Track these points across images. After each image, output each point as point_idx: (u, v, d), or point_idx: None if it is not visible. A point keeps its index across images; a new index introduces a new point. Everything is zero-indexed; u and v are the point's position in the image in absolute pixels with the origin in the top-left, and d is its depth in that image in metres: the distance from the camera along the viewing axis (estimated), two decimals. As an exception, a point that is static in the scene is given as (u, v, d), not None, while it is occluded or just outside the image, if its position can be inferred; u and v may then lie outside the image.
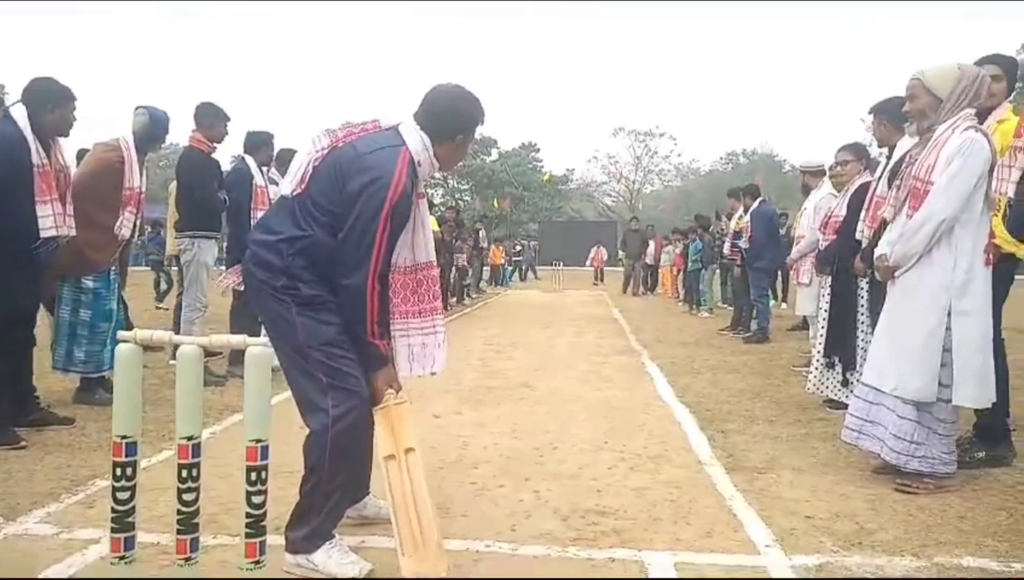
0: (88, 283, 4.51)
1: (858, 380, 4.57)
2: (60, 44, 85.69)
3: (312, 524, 2.31)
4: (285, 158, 6.46)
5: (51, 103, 3.92)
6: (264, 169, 5.92)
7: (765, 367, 6.66)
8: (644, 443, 4.00)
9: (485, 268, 20.25)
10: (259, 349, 1.40)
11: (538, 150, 54.83)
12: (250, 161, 5.82)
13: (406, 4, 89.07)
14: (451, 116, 2.46)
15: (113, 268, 4.66)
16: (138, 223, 4.80)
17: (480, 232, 18.13)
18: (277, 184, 6.12)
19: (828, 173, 6.45)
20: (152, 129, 4.73)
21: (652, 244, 19.08)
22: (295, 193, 2.38)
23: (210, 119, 5.46)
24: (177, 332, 5.33)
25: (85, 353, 4.55)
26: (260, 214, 5.74)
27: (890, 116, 4.26)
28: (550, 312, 13.32)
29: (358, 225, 2.27)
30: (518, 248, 29.75)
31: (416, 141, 2.41)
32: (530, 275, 28.71)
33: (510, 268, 26.83)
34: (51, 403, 4.42)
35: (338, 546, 2.35)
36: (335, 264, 2.30)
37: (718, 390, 5.57)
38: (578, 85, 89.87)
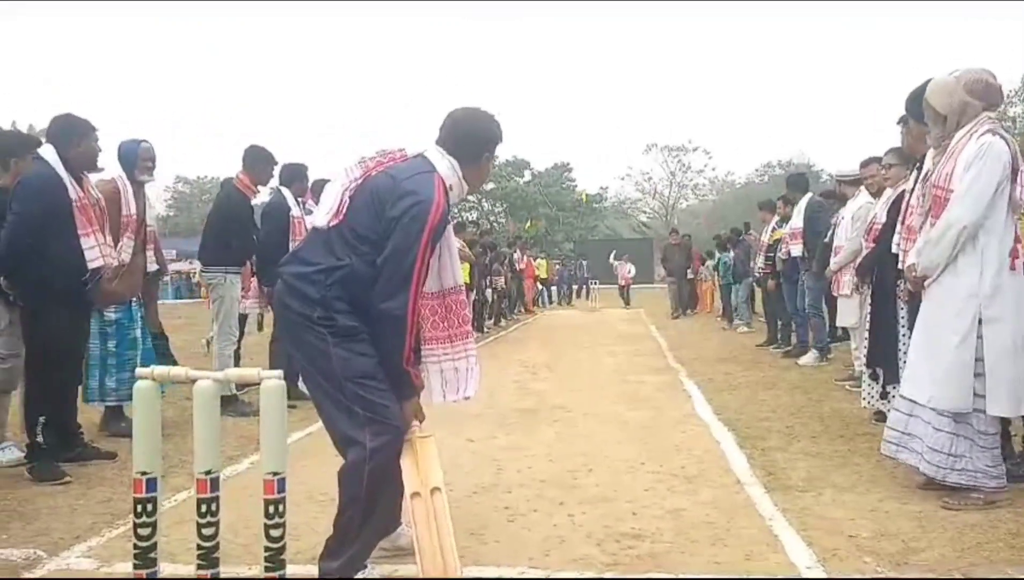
0: (111, 315, 4.62)
1: (897, 393, 4.46)
2: (61, 51, 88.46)
3: (347, 554, 2.31)
4: (318, 189, 6.59)
5: (76, 137, 4.03)
6: (300, 200, 6.02)
7: (806, 382, 6.52)
8: (681, 463, 3.93)
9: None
10: (274, 382, 1.41)
11: (571, 170, 54.88)
12: (286, 193, 5.93)
13: (434, 25, 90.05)
14: (473, 137, 2.50)
15: (136, 299, 4.77)
16: (151, 254, 4.95)
17: (515, 253, 17.88)
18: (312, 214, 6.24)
19: (864, 177, 6.33)
20: (122, 162, 4.80)
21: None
22: (331, 224, 2.39)
23: (259, 163, 5.61)
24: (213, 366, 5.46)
25: (116, 382, 4.67)
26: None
27: (915, 122, 4.16)
28: (586, 332, 13.25)
29: (400, 248, 2.27)
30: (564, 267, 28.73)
31: (445, 166, 2.44)
32: (584, 294, 26.72)
33: (563, 287, 26.36)
34: (93, 438, 4.51)
35: (371, 576, 2.34)
36: (372, 293, 2.30)
37: (757, 407, 5.46)
38: (609, 103, 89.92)
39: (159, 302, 7.37)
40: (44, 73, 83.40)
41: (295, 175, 6.01)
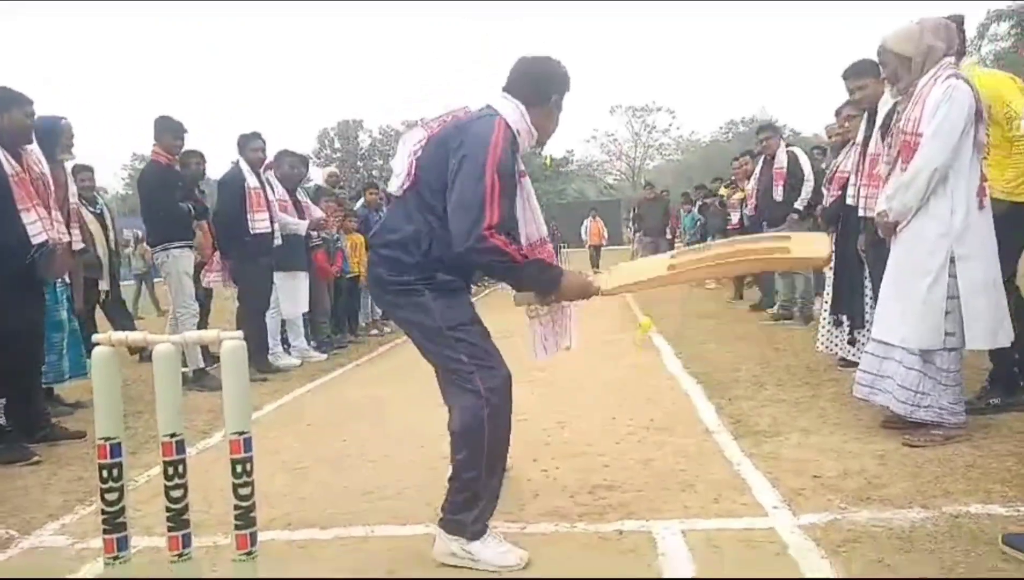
0: None
1: (866, 337, 4.56)
2: (61, 51, 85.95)
3: (479, 506, 2.29)
4: (283, 161, 6.46)
5: (1, 110, 3.88)
6: (259, 171, 5.92)
7: (773, 335, 6.63)
8: (651, 415, 4.00)
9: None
10: (234, 342, 1.39)
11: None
12: (243, 163, 5.83)
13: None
14: (543, 77, 2.48)
15: (60, 281, 4.65)
16: (76, 233, 4.77)
17: None
18: (272, 187, 6.13)
19: (827, 130, 6.39)
20: (40, 140, 4.53)
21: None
22: (404, 188, 2.39)
23: (163, 133, 5.49)
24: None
25: (45, 365, 4.54)
26: (257, 216, 5.77)
27: (863, 74, 4.21)
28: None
29: (465, 188, 2.22)
30: None
31: (511, 110, 2.39)
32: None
33: None
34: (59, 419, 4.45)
35: (493, 534, 2.33)
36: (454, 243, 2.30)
37: (724, 359, 5.55)
38: (571, 64, 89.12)
39: (122, 283, 7.25)
40: (44, 73, 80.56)
41: (243, 143, 5.91)
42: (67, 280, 4.89)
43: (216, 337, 1.39)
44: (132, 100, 79.07)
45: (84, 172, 7.14)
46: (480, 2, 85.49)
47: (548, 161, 48.93)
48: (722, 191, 11.11)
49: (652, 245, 14.17)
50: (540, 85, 2.46)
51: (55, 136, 4.74)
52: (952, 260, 3.14)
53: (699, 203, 12.78)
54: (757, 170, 7.84)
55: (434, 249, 2.33)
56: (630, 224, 19.26)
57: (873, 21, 50.61)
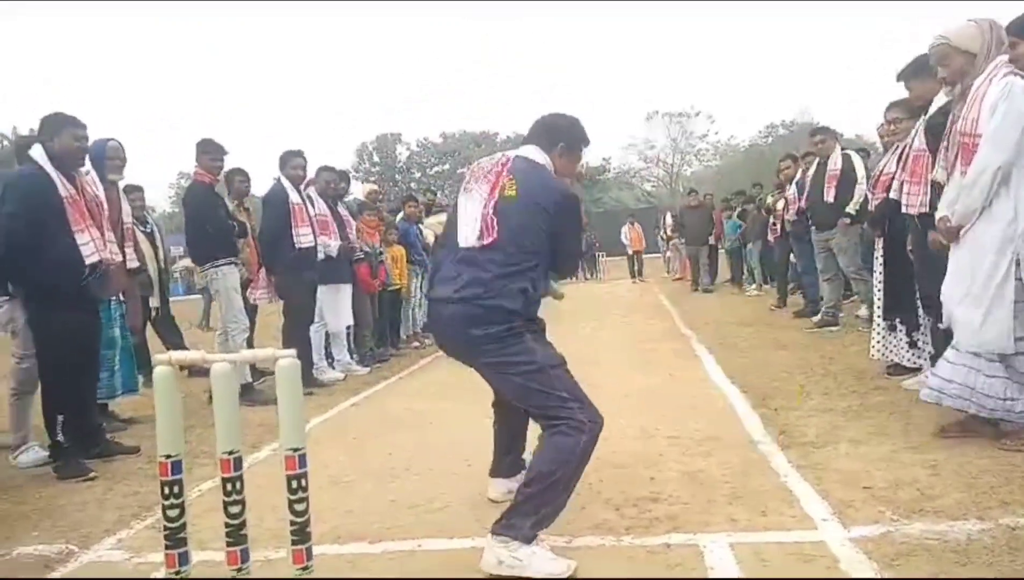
0: None
1: (924, 339, 4.47)
2: (61, 51, 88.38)
3: (542, 514, 2.40)
4: (321, 176, 6.57)
5: (50, 132, 4.00)
6: (300, 187, 6.05)
7: (816, 341, 6.53)
8: (696, 426, 3.97)
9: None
10: (288, 361, 1.43)
11: (572, 143, 54.61)
12: (284, 180, 5.95)
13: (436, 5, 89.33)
14: (552, 128, 2.79)
15: (115, 298, 4.76)
16: (130, 252, 4.92)
17: None
18: (313, 202, 6.23)
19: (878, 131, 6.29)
20: (91, 158, 4.71)
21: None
22: (485, 244, 2.54)
23: (203, 155, 5.62)
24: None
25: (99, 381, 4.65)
26: (301, 231, 5.88)
27: (921, 73, 4.14)
28: (595, 305, 13.29)
29: (572, 242, 2.76)
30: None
31: (543, 158, 2.72)
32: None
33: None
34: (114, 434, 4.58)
35: (542, 544, 2.42)
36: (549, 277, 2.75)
37: (769, 368, 5.48)
38: (608, 72, 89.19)
39: (172, 299, 7.43)
40: (44, 73, 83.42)
41: (286, 161, 6.05)
42: (121, 298, 5.04)
43: (271, 354, 1.44)
44: (178, 120, 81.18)
45: (135, 192, 7.36)
46: (501, 3, 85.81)
47: (585, 169, 48.85)
48: (768, 200, 10.95)
49: (694, 253, 14.01)
50: (550, 135, 2.77)
51: (103, 157, 4.91)
52: (1018, 263, 3.07)
53: (739, 209, 12.64)
54: (810, 172, 7.70)
55: (533, 294, 2.57)
56: (662, 232, 18.96)
57: (915, 21, 49.65)
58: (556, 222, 2.56)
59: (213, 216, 5.53)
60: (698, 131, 54.88)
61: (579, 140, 2.83)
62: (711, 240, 13.81)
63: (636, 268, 18.44)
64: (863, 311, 7.52)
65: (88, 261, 3.94)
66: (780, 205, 9.78)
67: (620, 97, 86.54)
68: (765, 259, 11.28)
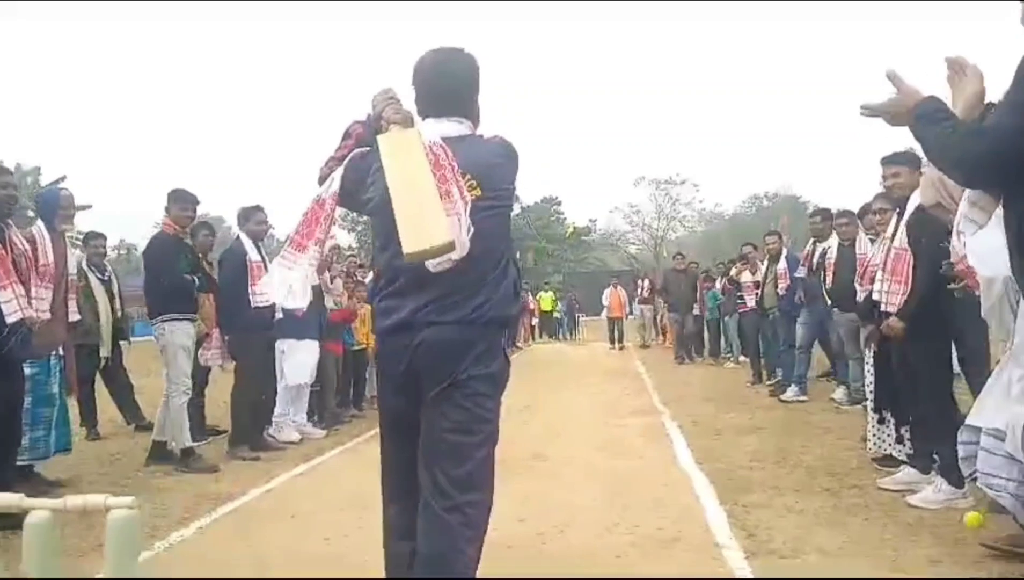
0: (26, 370, 4.31)
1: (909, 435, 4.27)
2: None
3: None
4: (251, 217, 6.16)
5: None
6: (260, 243, 5.82)
7: (792, 425, 6.30)
8: (658, 523, 3.69)
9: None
10: (121, 513, 1.11)
11: (560, 203, 54.95)
12: (243, 237, 5.73)
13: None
14: (457, 93, 2.33)
15: (55, 354, 4.50)
16: (72, 305, 4.77)
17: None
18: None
19: (861, 221, 6.29)
20: (40, 210, 4.68)
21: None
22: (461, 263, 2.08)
23: (172, 204, 5.40)
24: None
25: (29, 440, 4.42)
26: (259, 290, 5.62)
27: (904, 163, 4.05)
28: (569, 369, 13.05)
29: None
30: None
31: (467, 125, 2.31)
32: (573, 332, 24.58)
33: (562, 316, 24.44)
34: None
35: None
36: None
37: (740, 453, 5.24)
38: (597, 136, 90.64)
39: (140, 339, 7.10)
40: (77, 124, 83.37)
41: (248, 216, 5.82)
42: (60, 353, 4.77)
43: (102, 503, 1.13)
44: (168, 155, 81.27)
45: (98, 239, 7.16)
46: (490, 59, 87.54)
47: (572, 230, 49.12)
48: (732, 272, 10.89)
49: (679, 320, 13.29)
50: (460, 98, 2.34)
51: (54, 206, 4.70)
52: None
53: (720, 281, 12.52)
54: (830, 253, 7.57)
55: (519, 288, 2.29)
56: (638, 292, 17.83)
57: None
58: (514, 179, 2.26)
59: (171, 270, 5.25)
60: (684, 198, 55.52)
61: (479, 78, 2.33)
62: (696, 309, 13.22)
63: (616, 334, 17.65)
64: (838, 394, 7.37)
65: (9, 319, 3.68)
66: (744, 278, 9.72)
67: (608, 160, 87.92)
68: (741, 332, 11.14)
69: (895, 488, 4.04)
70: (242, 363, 5.70)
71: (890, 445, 4.46)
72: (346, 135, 2.37)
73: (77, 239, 8.09)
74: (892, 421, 4.43)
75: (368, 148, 2.27)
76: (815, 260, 7.56)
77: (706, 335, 13.27)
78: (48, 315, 4.16)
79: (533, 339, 22.21)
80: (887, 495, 3.99)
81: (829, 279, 7.17)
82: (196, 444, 5.59)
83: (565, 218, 53.75)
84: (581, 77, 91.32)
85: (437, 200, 2.04)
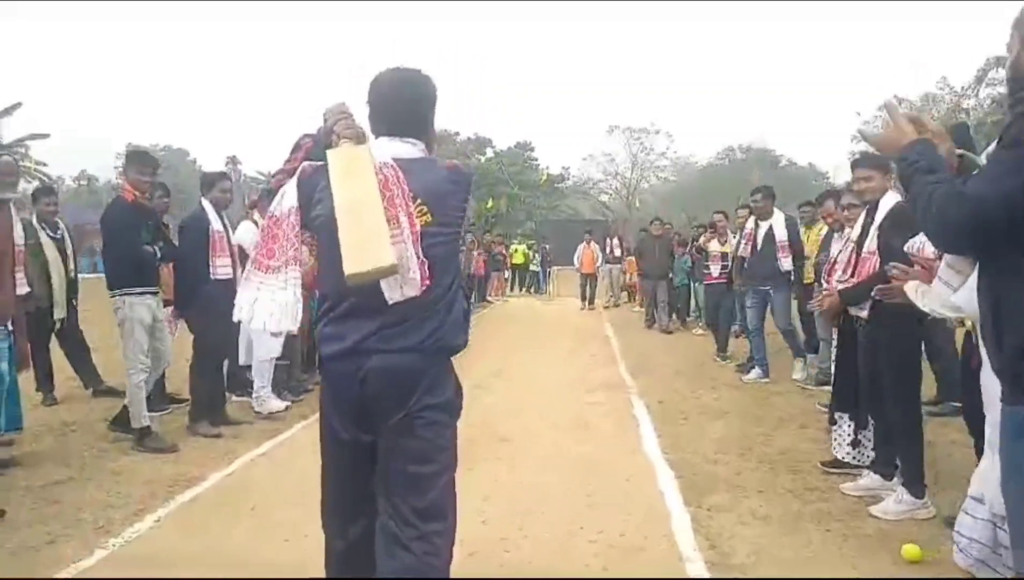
0: None
1: (868, 439, 4.28)
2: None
3: None
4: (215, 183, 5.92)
5: None
6: (223, 212, 5.59)
7: (756, 409, 6.33)
8: (622, 527, 3.68)
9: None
10: None
11: (533, 149, 54.40)
12: (207, 205, 5.49)
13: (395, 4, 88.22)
14: (414, 112, 2.26)
15: (3, 328, 4.32)
16: (20, 277, 4.55)
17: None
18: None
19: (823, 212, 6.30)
20: None
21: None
22: (419, 294, 2.03)
23: (134, 166, 5.11)
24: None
25: None
26: (219, 261, 5.43)
27: (877, 168, 3.97)
28: (540, 329, 13.04)
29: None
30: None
31: (420, 147, 2.24)
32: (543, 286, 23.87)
33: (537, 268, 24.00)
34: None
35: None
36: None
37: (706, 442, 5.25)
38: (573, 82, 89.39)
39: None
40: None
41: (210, 183, 5.55)
42: (9, 327, 4.56)
43: None
44: (133, 85, 78.40)
45: (49, 196, 6.84)
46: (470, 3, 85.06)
47: (545, 177, 48.76)
48: (700, 240, 10.88)
49: (652, 287, 12.68)
50: (416, 117, 2.28)
51: None
52: None
53: (689, 246, 12.43)
54: (760, 230, 7.57)
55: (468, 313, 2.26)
56: (606, 251, 16.97)
57: (875, 53, 50.77)
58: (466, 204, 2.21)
59: (131, 241, 5.00)
60: (657, 147, 55.22)
61: (436, 101, 2.28)
62: (670, 275, 12.58)
63: (588, 293, 17.12)
64: (798, 373, 7.42)
65: None
66: (712, 247, 9.69)
67: (583, 107, 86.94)
68: (705, 302, 11.11)
69: (857, 494, 4.07)
70: (201, 336, 5.53)
71: (843, 448, 4.47)
72: (296, 147, 2.28)
73: (25, 196, 7.70)
74: (850, 424, 4.44)
75: (320, 162, 2.16)
76: (758, 239, 7.56)
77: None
78: None
79: (505, 293, 22.13)
80: (849, 501, 4.01)
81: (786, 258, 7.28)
82: (158, 413, 5.47)
83: (539, 164, 53.32)
84: (559, 23, 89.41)
85: (383, 221, 1.96)
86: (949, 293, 2.13)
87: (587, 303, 16.96)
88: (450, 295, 2.15)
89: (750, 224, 7.82)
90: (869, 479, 4.12)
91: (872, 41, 76.59)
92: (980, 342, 2.22)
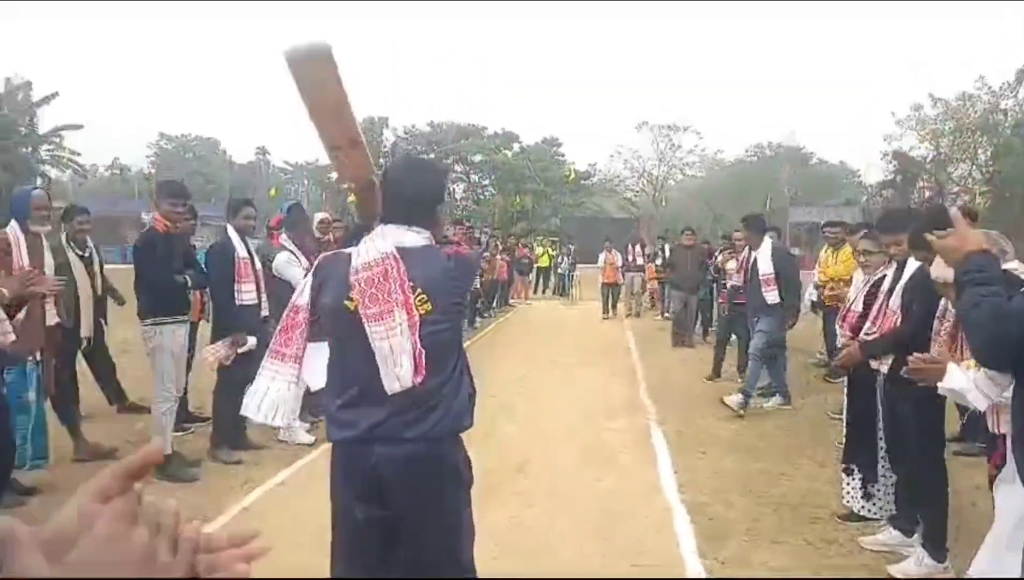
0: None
1: (880, 491, 4.22)
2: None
3: None
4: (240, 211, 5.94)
5: None
6: (247, 239, 5.65)
7: (781, 442, 6.26)
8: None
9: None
10: None
11: (560, 145, 54.24)
12: (231, 232, 5.54)
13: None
14: (420, 200, 2.37)
15: (32, 359, 4.40)
16: (51, 308, 4.65)
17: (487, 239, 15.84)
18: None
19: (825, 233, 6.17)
20: (14, 213, 4.58)
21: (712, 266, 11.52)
22: (419, 381, 2.13)
23: (166, 198, 5.19)
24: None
25: None
26: (244, 287, 5.48)
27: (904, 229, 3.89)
28: (561, 339, 13.00)
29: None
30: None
31: (424, 236, 2.31)
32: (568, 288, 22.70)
33: (564, 272, 23.08)
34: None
35: None
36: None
37: (723, 481, 5.20)
38: (601, 78, 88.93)
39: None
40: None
41: (236, 210, 5.62)
42: (38, 358, 4.65)
43: None
44: (165, 76, 79.38)
45: (81, 215, 6.90)
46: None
47: (572, 173, 48.60)
48: (719, 258, 10.73)
49: (683, 300, 11.76)
50: (422, 206, 2.39)
51: (26, 208, 4.53)
52: None
53: (714, 259, 12.23)
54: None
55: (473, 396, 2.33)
56: (628, 258, 16.39)
57: (908, 51, 49.79)
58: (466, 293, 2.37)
59: (162, 271, 5.09)
60: (686, 145, 54.76)
61: (445, 189, 2.49)
62: (701, 289, 11.84)
63: (611, 302, 16.66)
64: (733, 399, 7.11)
65: None
66: (730, 266, 9.47)
67: (610, 104, 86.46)
68: (719, 320, 10.91)
69: (876, 548, 4.01)
70: (226, 361, 5.59)
71: (856, 501, 4.41)
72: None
73: (58, 210, 7.81)
74: (860, 476, 4.39)
75: (333, 252, 2.37)
76: (750, 269, 7.39)
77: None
78: (12, 336, 4.03)
79: (529, 296, 22.03)
80: (868, 555, 3.96)
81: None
82: (180, 434, 5.55)
83: (565, 160, 53.12)
84: (590, 22, 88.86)
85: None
86: (985, 404, 2.17)
87: (610, 312, 16.75)
88: (454, 379, 2.21)
89: (745, 252, 7.66)
90: (890, 535, 4.05)
91: (906, 40, 75.09)
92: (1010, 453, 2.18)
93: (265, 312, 5.65)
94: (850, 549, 4.06)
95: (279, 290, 5.59)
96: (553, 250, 25.31)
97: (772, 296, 7.09)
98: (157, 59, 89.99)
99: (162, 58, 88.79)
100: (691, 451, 5.96)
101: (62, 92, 45.84)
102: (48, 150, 42.86)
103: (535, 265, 23.27)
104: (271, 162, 66.32)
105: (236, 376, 5.60)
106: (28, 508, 4.44)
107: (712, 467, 5.55)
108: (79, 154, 44.32)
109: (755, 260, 7.27)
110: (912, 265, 3.79)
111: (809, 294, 8.23)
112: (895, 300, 3.87)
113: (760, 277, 7.13)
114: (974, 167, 34.87)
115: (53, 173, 45.01)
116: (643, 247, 16.72)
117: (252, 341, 5.31)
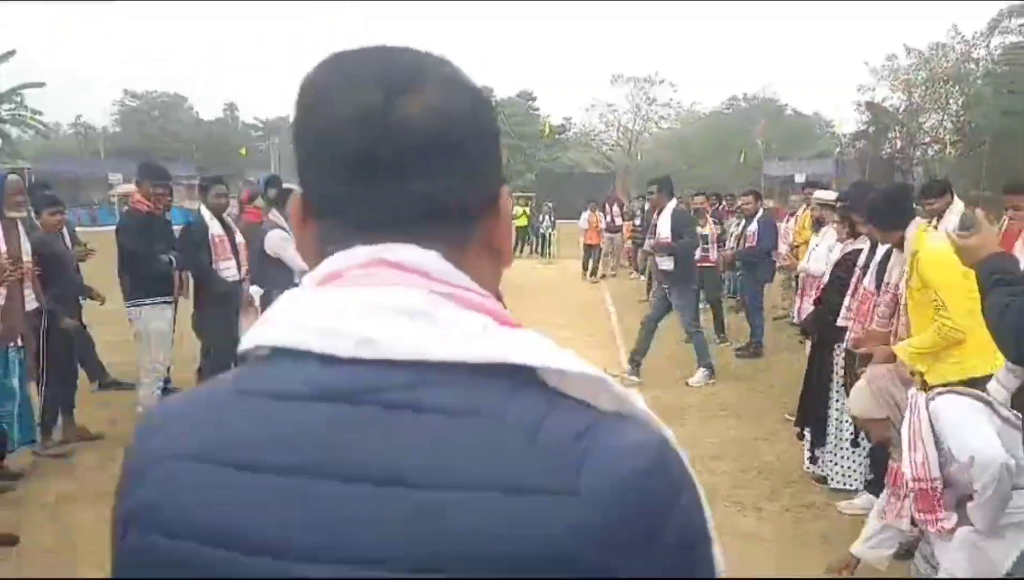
0: None
1: (824, 456, 4.42)
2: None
3: None
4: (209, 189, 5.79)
5: None
6: (223, 216, 5.59)
7: (756, 405, 6.41)
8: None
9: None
10: None
11: (535, 99, 53.77)
12: (204, 211, 5.49)
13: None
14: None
15: (13, 345, 4.38)
16: (29, 292, 4.58)
17: None
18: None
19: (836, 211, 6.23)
20: None
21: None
22: None
23: (147, 179, 5.15)
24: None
25: None
26: (223, 265, 5.45)
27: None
28: (541, 301, 13.05)
29: None
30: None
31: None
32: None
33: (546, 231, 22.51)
34: None
35: None
36: None
37: (704, 447, 5.32)
38: (575, 31, 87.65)
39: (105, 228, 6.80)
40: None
41: (207, 189, 5.58)
42: (19, 343, 4.61)
43: None
44: (128, 30, 76.82)
45: (54, 207, 6.74)
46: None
47: (547, 128, 48.27)
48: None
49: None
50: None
51: (1, 194, 4.43)
52: None
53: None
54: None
55: None
56: (605, 218, 16.15)
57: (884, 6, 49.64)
58: None
59: (146, 252, 5.08)
60: (661, 98, 54.54)
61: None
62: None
63: (592, 265, 16.33)
64: (696, 380, 7.10)
65: None
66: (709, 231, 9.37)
67: (585, 57, 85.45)
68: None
69: (852, 512, 4.16)
70: (210, 340, 5.60)
71: (805, 462, 4.60)
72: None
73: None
74: (808, 439, 4.56)
75: None
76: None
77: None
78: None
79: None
80: (846, 520, 4.10)
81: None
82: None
83: (539, 114, 52.69)
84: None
85: None
86: (1004, 394, 2.28)
87: (590, 275, 16.38)
88: None
89: (655, 215, 7.35)
90: (865, 498, 4.20)
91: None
92: None
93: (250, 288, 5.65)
94: (827, 513, 4.21)
95: (273, 270, 5.53)
96: (530, 209, 25.05)
97: (667, 263, 6.85)
98: (121, 13, 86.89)
99: (126, 11, 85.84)
100: (671, 418, 6.04)
101: (20, 49, 44.33)
102: (9, 109, 41.67)
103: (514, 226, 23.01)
104: (240, 118, 65.02)
105: (221, 355, 5.63)
106: (17, 494, 4.46)
107: (692, 435, 5.66)
108: (41, 113, 43.16)
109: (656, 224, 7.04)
110: (883, 247, 3.86)
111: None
112: (869, 278, 3.94)
113: (659, 240, 6.87)
114: (945, 117, 35.14)
115: (14, 133, 43.88)
116: (621, 206, 16.70)
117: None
